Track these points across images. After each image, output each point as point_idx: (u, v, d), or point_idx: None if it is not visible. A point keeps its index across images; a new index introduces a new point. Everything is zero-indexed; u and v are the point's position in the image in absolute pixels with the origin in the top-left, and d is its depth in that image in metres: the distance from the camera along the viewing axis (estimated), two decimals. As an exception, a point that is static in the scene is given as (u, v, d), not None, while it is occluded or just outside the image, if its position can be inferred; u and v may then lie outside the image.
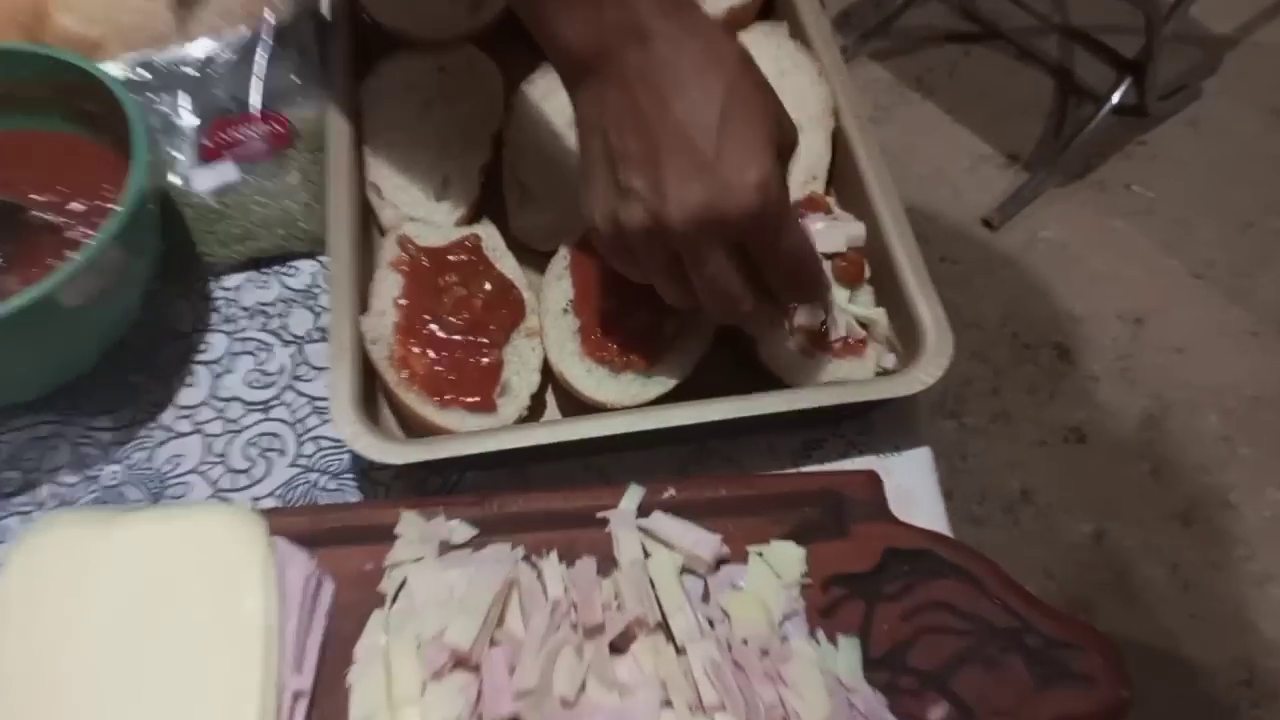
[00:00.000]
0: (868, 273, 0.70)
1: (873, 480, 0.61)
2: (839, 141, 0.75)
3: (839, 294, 0.68)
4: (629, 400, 0.64)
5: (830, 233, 0.69)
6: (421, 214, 0.72)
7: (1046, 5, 2.26)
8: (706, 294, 0.57)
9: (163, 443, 0.67)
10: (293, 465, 0.66)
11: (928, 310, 0.65)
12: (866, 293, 0.70)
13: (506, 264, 0.70)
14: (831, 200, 0.73)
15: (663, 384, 0.65)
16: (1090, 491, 1.72)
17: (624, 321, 0.65)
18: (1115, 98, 2.01)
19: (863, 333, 0.67)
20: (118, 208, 0.61)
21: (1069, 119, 2.15)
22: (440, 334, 0.65)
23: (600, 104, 0.55)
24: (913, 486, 0.65)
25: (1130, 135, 2.12)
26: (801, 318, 0.66)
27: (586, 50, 0.54)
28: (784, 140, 0.55)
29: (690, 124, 0.52)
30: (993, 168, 2.09)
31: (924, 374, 0.63)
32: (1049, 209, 2.02)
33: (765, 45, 0.80)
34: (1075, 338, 1.87)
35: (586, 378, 0.65)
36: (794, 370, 0.66)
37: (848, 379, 0.66)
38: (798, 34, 0.80)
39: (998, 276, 1.93)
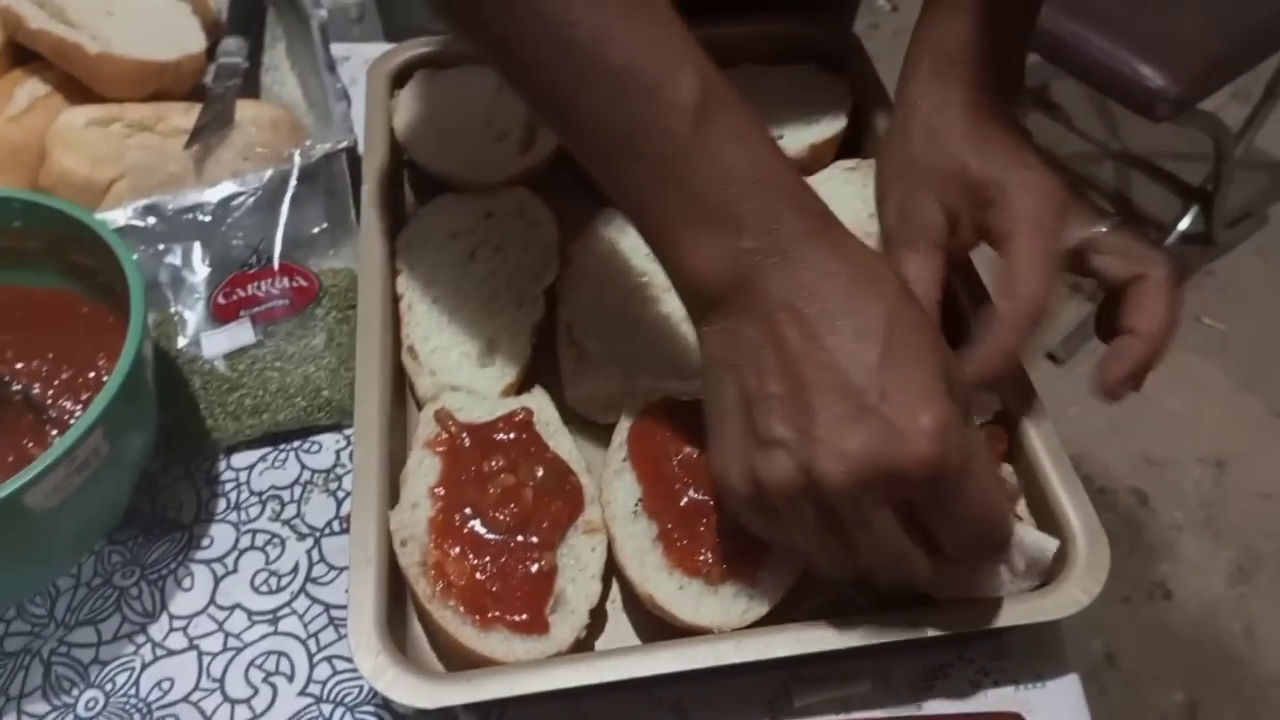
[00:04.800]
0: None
1: (1021, 729, 0.49)
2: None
3: None
4: (737, 620, 0.52)
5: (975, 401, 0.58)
6: (463, 381, 0.62)
7: (1102, 132, 2.19)
8: (872, 560, 0.47)
9: (150, 663, 0.56)
10: (302, 694, 0.55)
11: (1076, 513, 0.54)
12: (1004, 471, 0.58)
13: (561, 443, 0.59)
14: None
15: (773, 593, 0.52)
16: (1180, 655, 1.58)
17: (714, 519, 0.54)
18: (1183, 225, 1.93)
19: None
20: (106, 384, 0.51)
21: (1131, 248, 2.05)
22: (483, 533, 0.54)
23: (734, 340, 0.46)
24: (1062, 729, 0.53)
25: (1197, 265, 2.03)
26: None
27: (721, 279, 0.45)
28: (956, 380, 0.46)
29: (846, 360, 0.43)
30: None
31: (1078, 591, 0.51)
32: (1117, 343, 1.91)
33: (850, 185, 0.71)
34: (1154, 482, 1.75)
35: (680, 597, 0.52)
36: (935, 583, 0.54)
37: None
38: (891, 175, 0.71)
39: (1067, 414, 1.81)
